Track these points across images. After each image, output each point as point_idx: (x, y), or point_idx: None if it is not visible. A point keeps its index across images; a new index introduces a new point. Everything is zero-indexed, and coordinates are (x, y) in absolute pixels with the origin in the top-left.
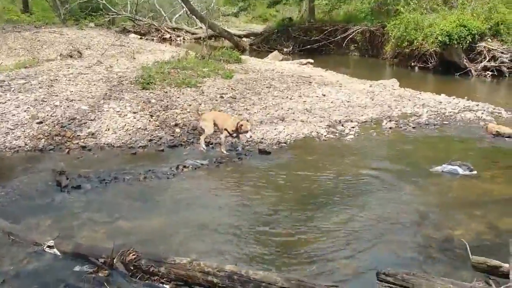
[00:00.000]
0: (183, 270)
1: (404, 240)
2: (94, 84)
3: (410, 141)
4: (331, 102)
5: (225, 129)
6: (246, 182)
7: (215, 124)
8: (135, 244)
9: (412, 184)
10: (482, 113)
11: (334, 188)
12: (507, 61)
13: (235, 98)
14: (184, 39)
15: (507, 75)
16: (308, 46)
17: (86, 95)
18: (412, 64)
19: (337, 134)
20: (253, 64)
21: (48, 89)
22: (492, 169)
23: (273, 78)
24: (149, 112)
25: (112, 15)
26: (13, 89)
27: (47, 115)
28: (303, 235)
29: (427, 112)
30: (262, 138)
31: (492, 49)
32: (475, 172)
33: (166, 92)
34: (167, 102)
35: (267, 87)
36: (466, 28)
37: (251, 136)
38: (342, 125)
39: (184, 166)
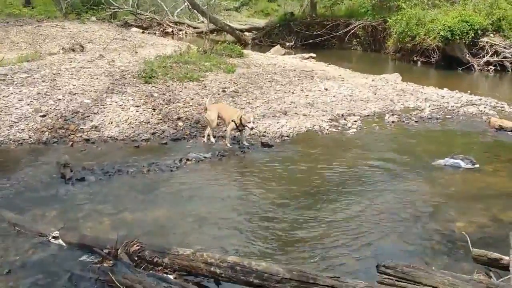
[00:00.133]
0: (186, 261)
1: (406, 232)
2: (97, 78)
3: (412, 135)
4: (334, 96)
5: (233, 121)
6: (249, 175)
7: (220, 117)
8: (139, 236)
9: (414, 178)
10: (485, 107)
11: (336, 181)
12: (510, 56)
13: (237, 92)
14: (186, 33)
15: (510, 70)
16: (310, 41)
17: (89, 89)
18: (415, 58)
19: (339, 128)
20: (255, 58)
21: (50, 82)
22: (495, 162)
23: (275, 73)
24: (152, 105)
25: (114, 9)
26: (16, 82)
27: (50, 108)
28: (306, 227)
29: (429, 106)
30: (265, 132)
31: (495, 44)
32: (477, 165)
33: (169, 86)
34: (170, 96)
35: (269, 81)
36: (468, 24)
37: (252, 128)
38: (345, 119)
39: (187, 159)
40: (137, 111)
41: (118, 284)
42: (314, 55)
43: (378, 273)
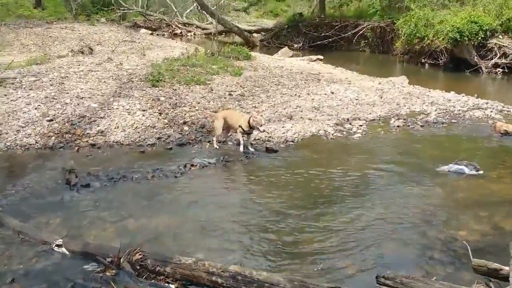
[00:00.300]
0: (188, 270)
1: (408, 240)
2: (104, 82)
3: (417, 140)
4: (340, 100)
5: (240, 126)
6: (253, 180)
7: (226, 123)
8: (142, 243)
9: (418, 184)
10: (491, 111)
11: (341, 187)
12: None
13: (244, 96)
14: (194, 34)
15: None
16: (319, 42)
17: (96, 92)
18: (423, 60)
19: (344, 133)
20: (263, 61)
21: (58, 86)
22: (499, 169)
23: (282, 76)
24: (158, 110)
25: (123, 10)
26: (24, 86)
27: (58, 112)
28: (309, 234)
29: (435, 110)
30: (270, 137)
31: (503, 45)
32: (481, 172)
33: (175, 89)
34: (176, 99)
35: (275, 85)
36: (477, 25)
37: (264, 130)
38: (350, 124)
39: (192, 165)
40: (144, 115)
41: None
42: (321, 57)
43: (378, 284)
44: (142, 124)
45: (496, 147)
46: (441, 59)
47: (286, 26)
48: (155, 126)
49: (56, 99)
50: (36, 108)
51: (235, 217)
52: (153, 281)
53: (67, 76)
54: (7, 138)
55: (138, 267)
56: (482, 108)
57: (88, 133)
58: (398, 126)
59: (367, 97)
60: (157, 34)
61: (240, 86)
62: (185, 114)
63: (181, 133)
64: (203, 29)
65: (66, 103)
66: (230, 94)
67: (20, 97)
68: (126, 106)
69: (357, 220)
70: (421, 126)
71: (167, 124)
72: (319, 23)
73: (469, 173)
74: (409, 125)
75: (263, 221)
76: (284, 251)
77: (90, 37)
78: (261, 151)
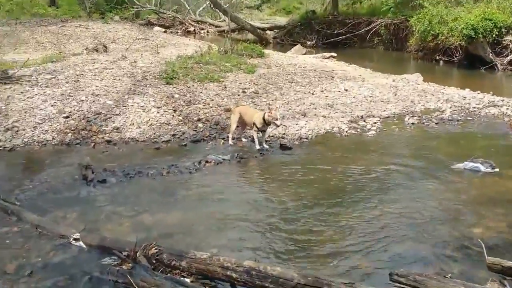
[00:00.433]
0: (203, 265)
1: (423, 237)
2: (119, 79)
3: (432, 137)
4: (354, 97)
5: (254, 123)
6: (268, 177)
7: (241, 118)
8: (157, 238)
9: (433, 182)
10: (507, 108)
11: (355, 184)
12: None
13: (258, 93)
14: (208, 32)
15: None
16: (332, 40)
17: (111, 90)
18: (437, 58)
19: (358, 130)
20: (276, 58)
21: (74, 84)
22: None
23: (296, 73)
24: (173, 107)
25: (137, 8)
26: (40, 84)
27: (73, 109)
28: (324, 231)
29: (450, 107)
30: (284, 134)
31: None
32: (497, 169)
33: (189, 87)
34: (190, 97)
35: (289, 82)
36: (492, 22)
37: (281, 124)
38: (364, 121)
39: (207, 161)
40: (158, 112)
41: (136, 287)
42: (334, 54)
43: (391, 281)
44: (157, 121)
45: (511, 144)
46: (455, 56)
47: (299, 23)
48: (169, 123)
49: (72, 96)
50: (52, 105)
51: (250, 214)
52: (168, 275)
53: (82, 74)
54: (24, 135)
55: (154, 261)
56: (498, 106)
57: (104, 129)
58: (412, 124)
59: (381, 94)
60: (171, 32)
61: (254, 83)
62: (199, 111)
63: (196, 130)
64: (216, 26)
65: (82, 100)
66: (243, 92)
67: (36, 94)
68: (141, 103)
69: (371, 217)
70: (436, 123)
71: (181, 121)
72: (332, 21)
73: (485, 170)
74: (423, 123)
75: (278, 218)
76: (298, 248)
77: (104, 35)
78: (276, 148)
